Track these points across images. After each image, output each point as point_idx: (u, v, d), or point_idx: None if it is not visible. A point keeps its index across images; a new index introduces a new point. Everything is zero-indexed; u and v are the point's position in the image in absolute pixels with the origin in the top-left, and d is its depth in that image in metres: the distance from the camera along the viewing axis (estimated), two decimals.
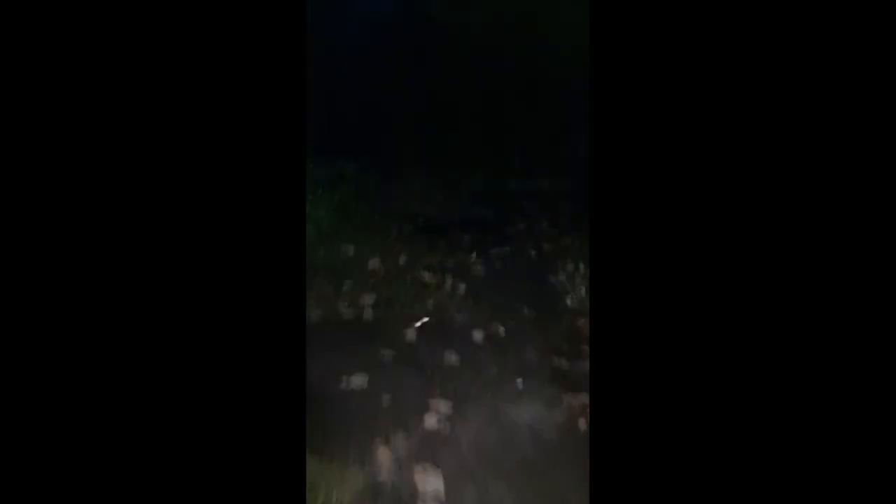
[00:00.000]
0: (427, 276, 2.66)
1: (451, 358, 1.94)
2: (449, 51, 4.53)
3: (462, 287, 2.57)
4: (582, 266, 2.88)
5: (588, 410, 1.64)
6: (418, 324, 1.77)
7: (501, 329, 2.18)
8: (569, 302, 2.46)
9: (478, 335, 2.13)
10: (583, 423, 1.64)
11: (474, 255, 2.99)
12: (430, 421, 1.60)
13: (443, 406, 1.66)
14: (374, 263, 2.79)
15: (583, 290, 2.54)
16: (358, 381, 1.78)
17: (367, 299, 2.37)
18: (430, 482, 1.39)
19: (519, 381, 1.82)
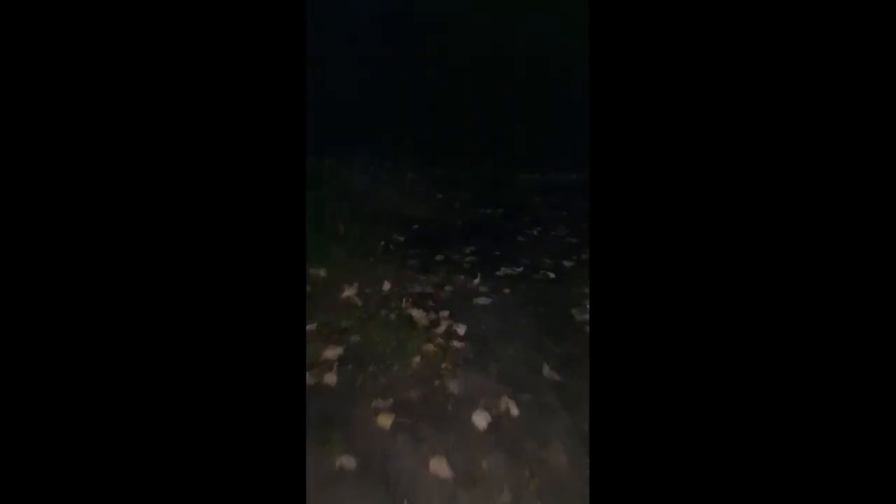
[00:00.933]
0: (416, 314, 1.96)
1: (441, 470, 1.25)
2: (447, 35, 3.78)
3: (462, 329, 1.87)
4: None
5: None
6: None
7: (514, 407, 1.48)
8: None
9: (480, 419, 1.43)
10: None
11: (478, 278, 2.28)
12: None
13: None
14: (349, 292, 2.09)
15: None
16: None
17: (332, 354, 1.68)
18: None
19: None
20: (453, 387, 1.55)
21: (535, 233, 3.02)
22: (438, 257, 2.54)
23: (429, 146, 3.85)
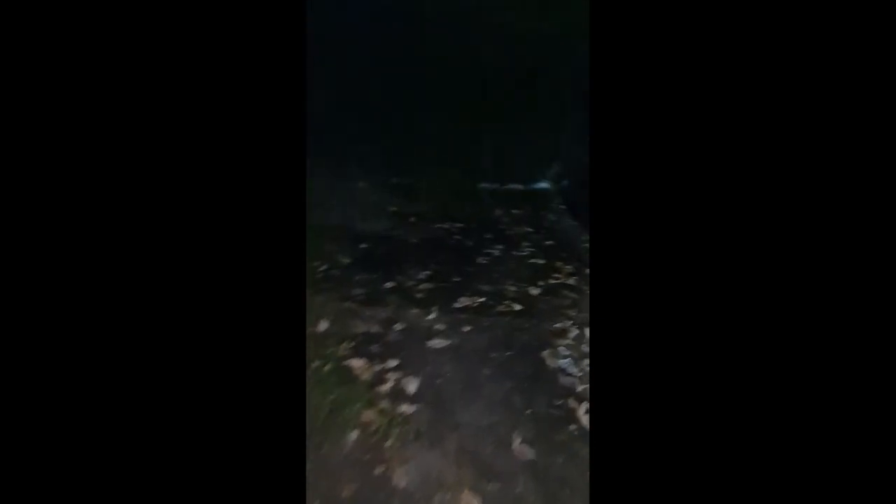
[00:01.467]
0: (358, 365, 1.57)
1: None
2: (447, 35, 3.39)
3: (413, 386, 1.50)
4: (588, 332, 1.85)
5: None
6: None
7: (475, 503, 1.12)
8: (586, 420, 1.42)
9: None
10: None
11: (434, 313, 1.91)
12: None
13: None
14: None
15: None
16: None
17: None
18: None
19: None
20: (399, 477, 1.17)
21: (496, 252, 2.68)
22: (388, 284, 2.16)
23: (392, 152, 3.46)
